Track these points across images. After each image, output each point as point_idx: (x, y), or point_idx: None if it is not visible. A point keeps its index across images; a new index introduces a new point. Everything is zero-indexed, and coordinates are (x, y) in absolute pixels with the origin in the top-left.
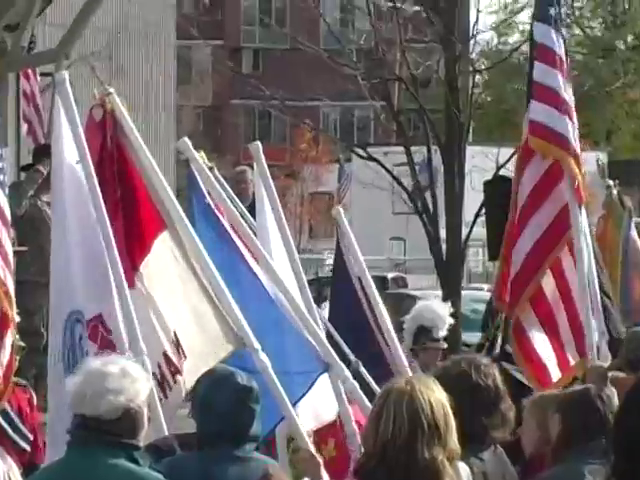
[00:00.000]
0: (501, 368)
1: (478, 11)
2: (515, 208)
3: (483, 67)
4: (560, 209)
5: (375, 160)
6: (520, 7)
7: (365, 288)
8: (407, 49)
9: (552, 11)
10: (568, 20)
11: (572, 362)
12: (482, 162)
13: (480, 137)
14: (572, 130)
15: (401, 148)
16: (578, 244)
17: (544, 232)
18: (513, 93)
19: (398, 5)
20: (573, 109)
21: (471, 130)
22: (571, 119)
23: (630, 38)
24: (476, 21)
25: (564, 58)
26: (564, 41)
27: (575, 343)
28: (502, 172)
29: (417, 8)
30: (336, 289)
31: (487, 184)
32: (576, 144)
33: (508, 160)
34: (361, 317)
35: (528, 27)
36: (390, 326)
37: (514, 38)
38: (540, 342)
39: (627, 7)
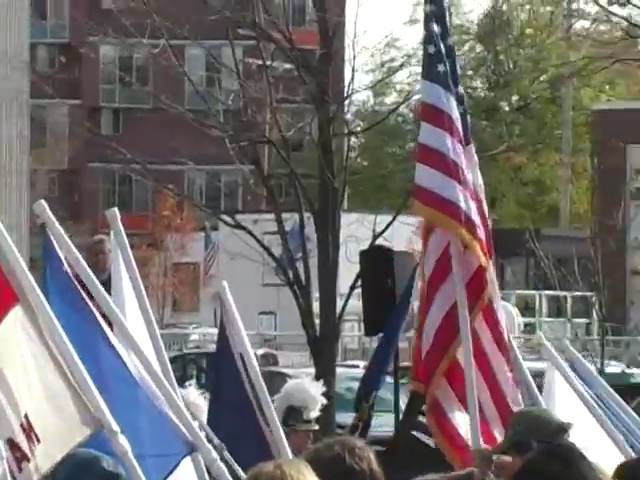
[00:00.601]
0: (414, 438)
1: (353, 70)
2: (423, 280)
3: (359, 129)
4: (469, 278)
5: (243, 228)
6: (398, 66)
7: (247, 366)
8: (278, 110)
9: (441, 68)
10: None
11: (499, 439)
12: (358, 231)
13: (356, 204)
14: (463, 196)
15: (271, 215)
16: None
17: (454, 304)
18: (390, 157)
19: (268, 63)
20: (468, 173)
21: (346, 196)
22: (462, 184)
23: (515, 99)
24: (351, 80)
25: (456, 118)
26: (460, 100)
27: (500, 417)
28: (379, 241)
29: (288, 66)
30: (218, 366)
31: (363, 254)
32: (470, 211)
33: (386, 229)
34: (242, 395)
35: (407, 87)
36: (271, 405)
37: (391, 98)
38: (462, 422)
39: (512, 66)
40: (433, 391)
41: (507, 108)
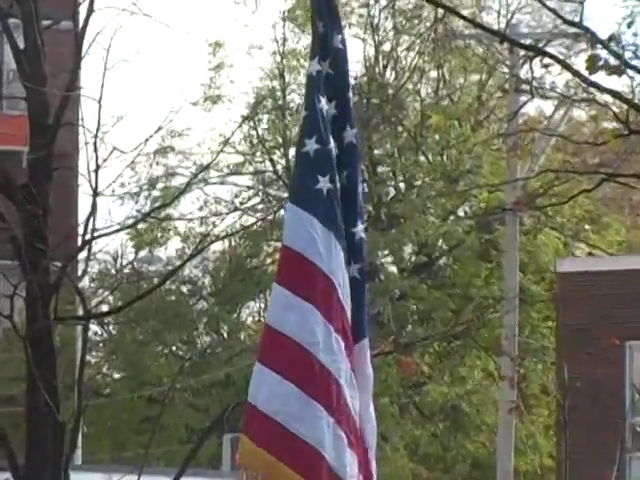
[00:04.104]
0: None
1: (96, 193)
2: None
3: (106, 308)
4: None
5: None
6: (183, 185)
7: None
8: None
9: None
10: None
11: None
12: None
13: (89, 456)
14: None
15: None
16: None
17: None
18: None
19: None
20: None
21: (81, 439)
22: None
23: (409, 251)
24: (91, 213)
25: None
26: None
27: None
28: None
29: None
30: None
31: None
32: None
33: None
34: None
35: (198, 228)
36: None
37: (171, 250)
38: None
39: (403, 190)
40: None
41: (394, 268)
